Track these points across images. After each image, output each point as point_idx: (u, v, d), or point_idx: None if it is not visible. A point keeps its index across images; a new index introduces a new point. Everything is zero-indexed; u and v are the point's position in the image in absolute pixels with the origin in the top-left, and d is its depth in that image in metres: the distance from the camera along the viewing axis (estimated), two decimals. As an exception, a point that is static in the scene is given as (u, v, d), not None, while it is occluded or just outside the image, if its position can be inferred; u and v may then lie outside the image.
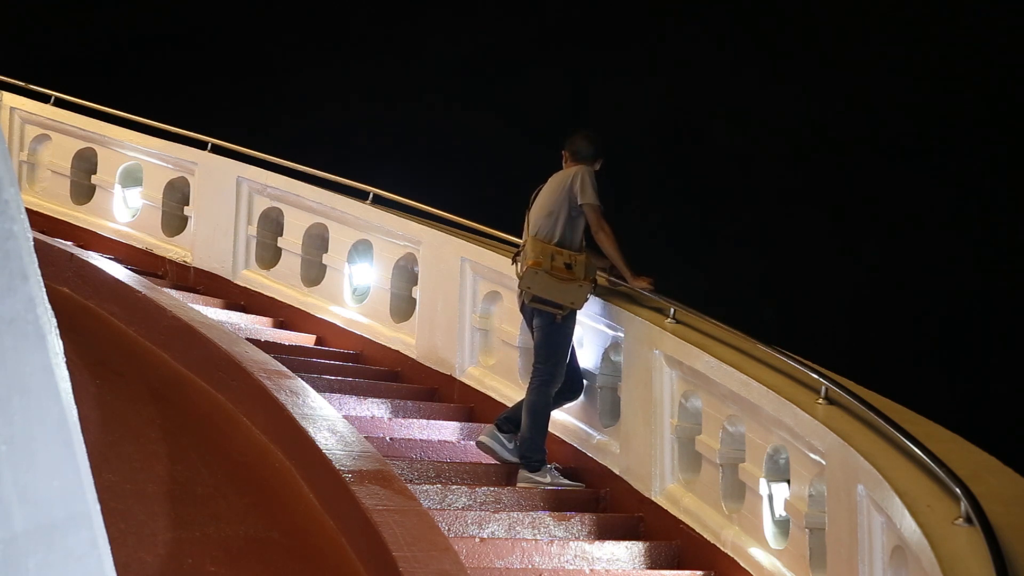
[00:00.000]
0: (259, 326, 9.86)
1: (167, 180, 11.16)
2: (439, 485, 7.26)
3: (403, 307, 9.66)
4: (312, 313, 10.04)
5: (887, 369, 15.81)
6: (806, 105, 18.33)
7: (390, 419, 8.30)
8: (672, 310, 7.62)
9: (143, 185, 11.36)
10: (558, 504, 7.54)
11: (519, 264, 7.95)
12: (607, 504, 7.78)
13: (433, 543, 5.58)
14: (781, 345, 6.95)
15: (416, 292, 9.45)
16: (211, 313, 9.16)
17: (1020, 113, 17.47)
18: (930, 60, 17.92)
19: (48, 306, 2.52)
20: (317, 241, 10.24)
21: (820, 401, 6.29)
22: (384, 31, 19.12)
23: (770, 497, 6.73)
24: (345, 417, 7.13)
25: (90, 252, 9.72)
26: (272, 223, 10.54)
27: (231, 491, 6.20)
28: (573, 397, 8.07)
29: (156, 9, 18.88)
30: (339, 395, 8.30)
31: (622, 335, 7.87)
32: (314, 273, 10.24)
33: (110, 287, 8.37)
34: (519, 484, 7.66)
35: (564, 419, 8.18)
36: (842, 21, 18.30)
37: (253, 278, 10.48)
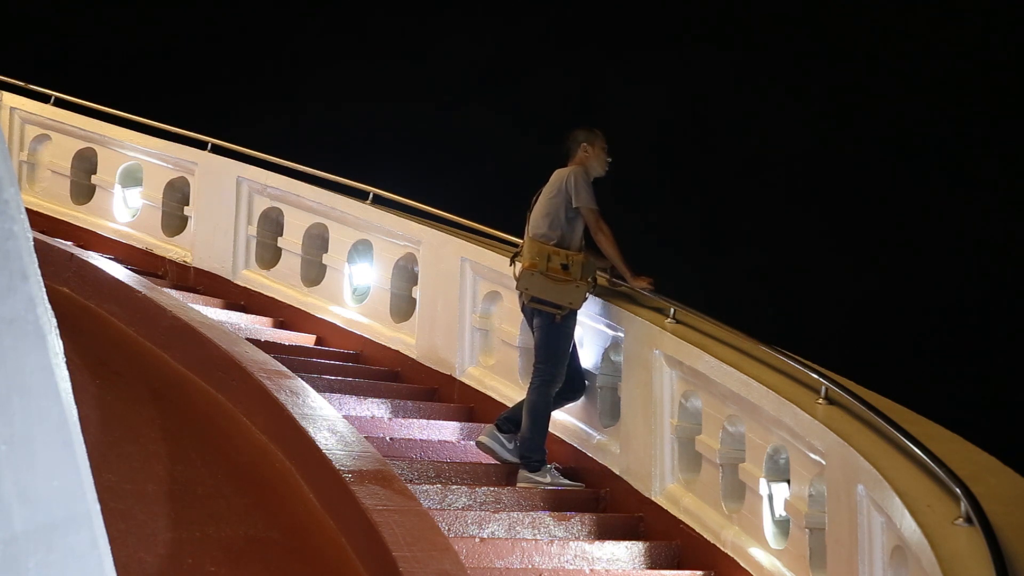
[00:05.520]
0: (259, 326, 9.86)
1: (167, 180, 11.15)
2: (439, 485, 7.26)
3: (403, 307, 9.66)
4: (312, 313, 10.04)
5: (887, 369, 15.80)
6: (807, 106, 18.34)
7: (390, 419, 8.30)
8: (672, 310, 7.61)
9: (143, 185, 11.36)
10: (558, 504, 7.53)
11: (516, 265, 7.96)
12: (607, 504, 7.77)
13: (433, 543, 5.58)
14: (781, 345, 6.94)
15: (416, 292, 9.44)
16: (211, 313, 9.15)
17: (1021, 111, 17.47)
18: (931, 62, 17.93)
19: (48, 306, 2.52)
20: (317, 241, 10.24)
21: (820, 401, 6.29)
22: (387, 32, 19.12)
23: (770, 497, 6.73)
24: (345, 417, 7.13)
25: (90, 252, 9.71)
26: (272, 223, 10.54)
27: (231, 491, 6.20)
28: (574, 397, 8.06)
29: (157, 9, 18.88)
30: (339, 395, 8.30)
31: (622, 335, 7.87)
32: (314, 273, 10.24)
33: (110, 287, 8.36)
34: (519, 484, 7.66)
35: (564, 419, 8.18)
36: (844, 24, 18.30)
37: (253, 278, 10.48)
